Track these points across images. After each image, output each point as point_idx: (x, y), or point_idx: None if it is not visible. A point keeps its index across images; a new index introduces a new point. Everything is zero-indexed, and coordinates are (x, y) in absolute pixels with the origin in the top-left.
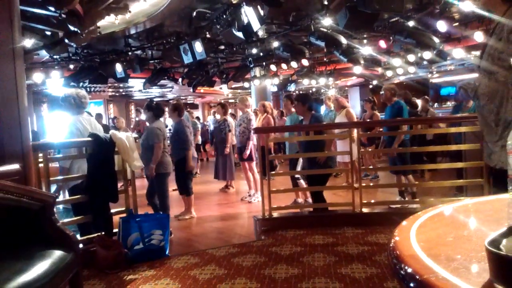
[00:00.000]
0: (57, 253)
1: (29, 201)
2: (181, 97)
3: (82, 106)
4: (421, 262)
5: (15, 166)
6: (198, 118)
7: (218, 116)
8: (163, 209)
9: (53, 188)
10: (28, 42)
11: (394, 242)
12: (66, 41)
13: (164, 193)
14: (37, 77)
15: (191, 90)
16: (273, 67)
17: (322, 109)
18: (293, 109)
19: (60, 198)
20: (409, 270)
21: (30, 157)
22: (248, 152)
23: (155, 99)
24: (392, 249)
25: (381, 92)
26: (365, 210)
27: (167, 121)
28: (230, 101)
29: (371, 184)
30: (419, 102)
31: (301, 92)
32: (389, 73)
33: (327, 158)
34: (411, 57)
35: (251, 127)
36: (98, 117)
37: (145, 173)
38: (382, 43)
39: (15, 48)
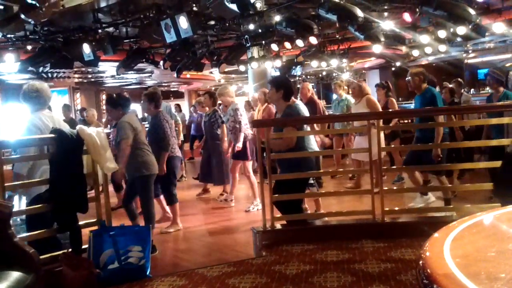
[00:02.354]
0: (15, 275)
1: None
2: (163, 84)
3: (45, 102)
4: (457, 281)
5: None
6: (178, 106)
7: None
8: (148, 218)
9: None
10: None
11: (425, 258)
12: (23, 16)
13: (148, 200)
14: None
15: (175, 75)
16: (274, 47)
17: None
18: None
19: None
20: None
21: None
22: (240, 144)
23: (131, 87)
24: (422, 267)
25: (407, 78)
26: (387, 219)
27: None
28: None
29: (395, 187)
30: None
31: (276, 75)
32: (415, 53)
33: (297, 161)
34: (442, 33)
35: (239, 118)
36: (66, 109)
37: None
38: (407, 16)
39: None
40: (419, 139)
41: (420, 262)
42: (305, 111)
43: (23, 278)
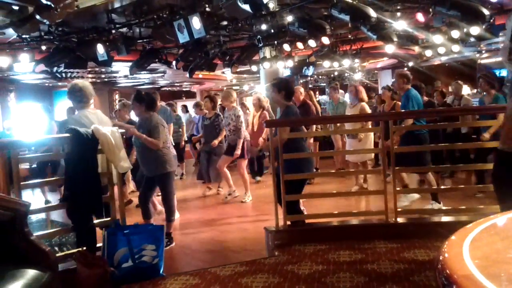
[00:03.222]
0: (31, 273)
1: None
2: (175, 84)
3: (89, 100)
4: (477, 283)
5: None
6: (185, 106)
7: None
8: (170, 212)
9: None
10: None
11: (443, 259)
12: (38, 17)
13: (171, 195)
14: (3, 60)
15: (188, 75)
16: (286, 47)
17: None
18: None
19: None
20: None
21: None
22: (239, 152)
23: (144, 87)
24: (441, 268)
25: (392, 80)
26: (400, 220)
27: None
28: (235, 88)
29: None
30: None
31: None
32: (428, 53)
33: (297, 161)
34: (455, 33)
35: (240, 124)
36: (72, 110)
37: (147, 174)
38: (420, 16)
39: None
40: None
41: (439, 263)
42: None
43: (39, 276)
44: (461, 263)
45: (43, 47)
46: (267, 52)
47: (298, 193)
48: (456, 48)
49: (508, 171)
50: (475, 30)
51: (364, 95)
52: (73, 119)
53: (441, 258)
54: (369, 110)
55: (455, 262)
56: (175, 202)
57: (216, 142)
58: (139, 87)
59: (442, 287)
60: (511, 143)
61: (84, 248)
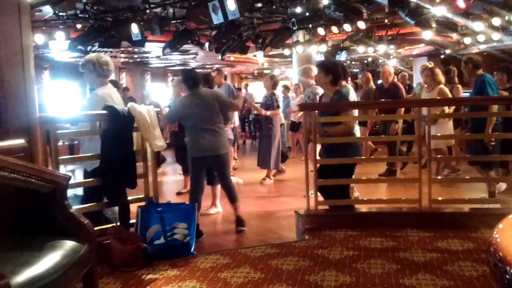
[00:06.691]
0: (70, 244)
1: (38, 183)
2: (207, 66)
3: (104, 74)
4: None
5: (20, 141)
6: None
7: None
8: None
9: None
10: None
11: (496, 243)
12: None
13: (193, 182)
14: (39, 38)
15: (220, 57)
16: (321, 31)
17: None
18: None
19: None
20: None
21: (37, 131)
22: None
23: (174, 68)
24: (493, 251)
25: (462, 66)
26: (434, 209)
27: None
28: (266, 71)
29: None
30: None
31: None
32: (467, 41)
33: (345, 146)
34: (496, 21)
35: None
36: (125, 90)
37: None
38: (460, 3)
39: (21, 1)
40: (470, 126)
41: (491, 247)
42: (353, 96)
43: (78, 247)
44: None
45: (78, 26)
46: (300, 36)
47: (349, 177)
48: (496, 36)
49: None
50: None
51: (441, 77)
52: (98, 96)
53: (493, 242)
54: (448, 92)
55: (508, 245)
56: (218, 192)
57: (263, 111)
58: (170, 68)
59: (494, 267)
60: None
61: (118, 223)
